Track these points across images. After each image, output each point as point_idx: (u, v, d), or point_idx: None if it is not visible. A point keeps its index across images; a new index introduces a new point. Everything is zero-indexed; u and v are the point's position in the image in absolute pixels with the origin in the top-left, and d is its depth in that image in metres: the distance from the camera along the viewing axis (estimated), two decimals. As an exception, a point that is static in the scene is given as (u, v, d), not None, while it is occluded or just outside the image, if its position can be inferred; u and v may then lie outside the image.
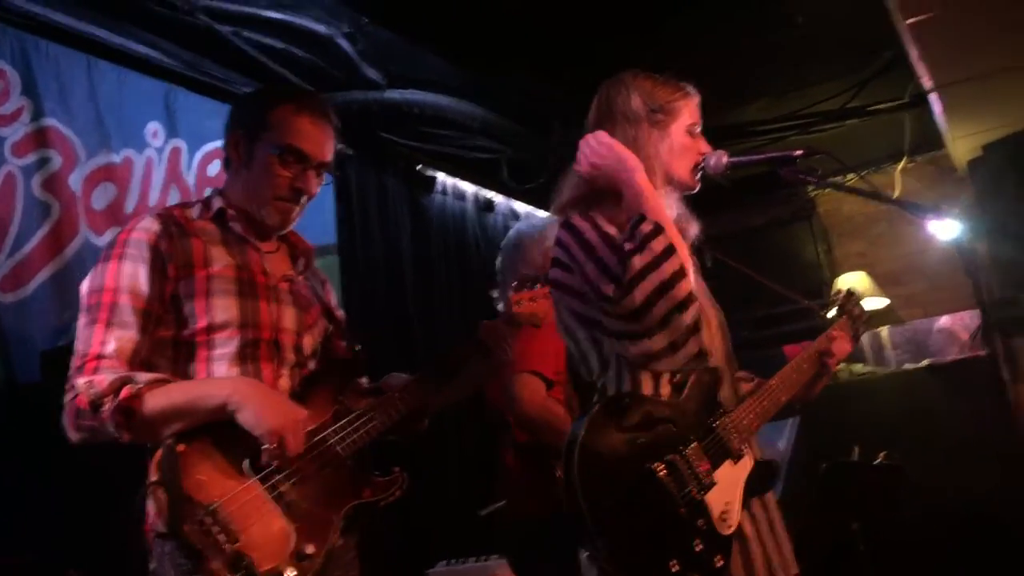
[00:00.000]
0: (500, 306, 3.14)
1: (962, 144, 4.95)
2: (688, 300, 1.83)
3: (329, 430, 1.99)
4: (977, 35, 3.86)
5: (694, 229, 2.11)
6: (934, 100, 4.42)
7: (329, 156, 2.11)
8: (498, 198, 5.46)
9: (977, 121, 4.69)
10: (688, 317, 1.83)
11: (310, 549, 1.84)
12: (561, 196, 2.10)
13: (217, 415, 1.83)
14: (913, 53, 3.97)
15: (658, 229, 1.84)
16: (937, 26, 3.73)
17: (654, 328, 1.82)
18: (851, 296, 2.43)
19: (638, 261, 1.81)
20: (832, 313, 2.41)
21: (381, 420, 2.05)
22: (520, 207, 5.62)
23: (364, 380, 2.23)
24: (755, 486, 1.98)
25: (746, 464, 1.98)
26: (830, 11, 4.05)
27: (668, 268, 1.82)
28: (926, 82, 4.25)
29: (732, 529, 1.89)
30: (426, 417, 2.25)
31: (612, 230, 1.94)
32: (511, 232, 3.30)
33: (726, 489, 1.91)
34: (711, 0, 3.94)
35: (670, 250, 1.83)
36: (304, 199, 2.10)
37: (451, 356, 2.22)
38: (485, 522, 3.72)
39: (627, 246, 1.84)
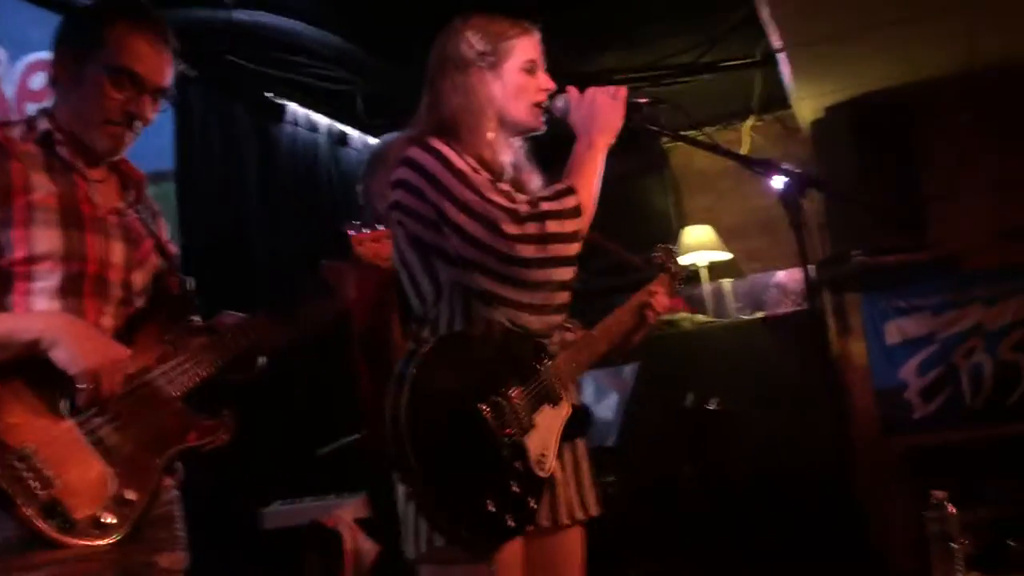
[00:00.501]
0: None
1: (806, 104, 5.12)
2: (571, 263, 1.95)
3: (155, 371, 1.90)
4: (825, -1, 3.97)
5: (536, 181, 2.11)
6: (782, 60, 4.54)
7: (167, 81, 1.98)
8: (353, 132, 5.31)
9: (822, 83, 4.85)
10: (565, 274, 1.95)
11: (131, 495, 1.77)
12: (415, 125, 2.07)
13: (30, 351, 1.72)
14: (764, 12, 4.05)
15: (577, 212, 1.92)
16: (787, -13, 3.82)
17: (530, 284, 1.91)
18: (670, 253, 2.50)
19: (551, 226, 1.89)
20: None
21: (211, 360, 1.98)
22: (375, 142, 5.48)
23: (196, 319, 2.13)
24: (569, 431, 2.02)
25: (563, 409, 2.02)
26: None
27: (565, 250, 1.92)
28: (775, 42, 4.35)
29: (547, 473, 1.92)
30: (261, 357, 2.18)
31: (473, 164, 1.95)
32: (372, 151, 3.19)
33: (544, 433, 1.94)
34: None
35: (576, 211, 1.92)
36: (138, 125, 1.96)
37: (290, 299, 2.15)
38: (333, 461, 3.68)
39: (544, 205, 1.91)
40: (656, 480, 4.06)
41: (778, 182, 1.85)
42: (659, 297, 2.34)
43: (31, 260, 1.81)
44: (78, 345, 1.74)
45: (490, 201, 1.89)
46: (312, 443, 3.81)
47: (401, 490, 1.94)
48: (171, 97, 2.02)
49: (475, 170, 1.95)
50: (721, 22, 4.63)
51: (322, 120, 5.06)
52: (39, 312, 1.81)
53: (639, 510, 3.97)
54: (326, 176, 4.97)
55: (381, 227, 2.24)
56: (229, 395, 2.07)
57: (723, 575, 4.06)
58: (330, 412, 4.24)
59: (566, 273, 1.97)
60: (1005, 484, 4.35)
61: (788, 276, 5.33)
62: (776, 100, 5.42)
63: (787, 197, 1.84)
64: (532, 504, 1.87)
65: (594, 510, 2.08)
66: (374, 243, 2.21)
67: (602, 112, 2.03)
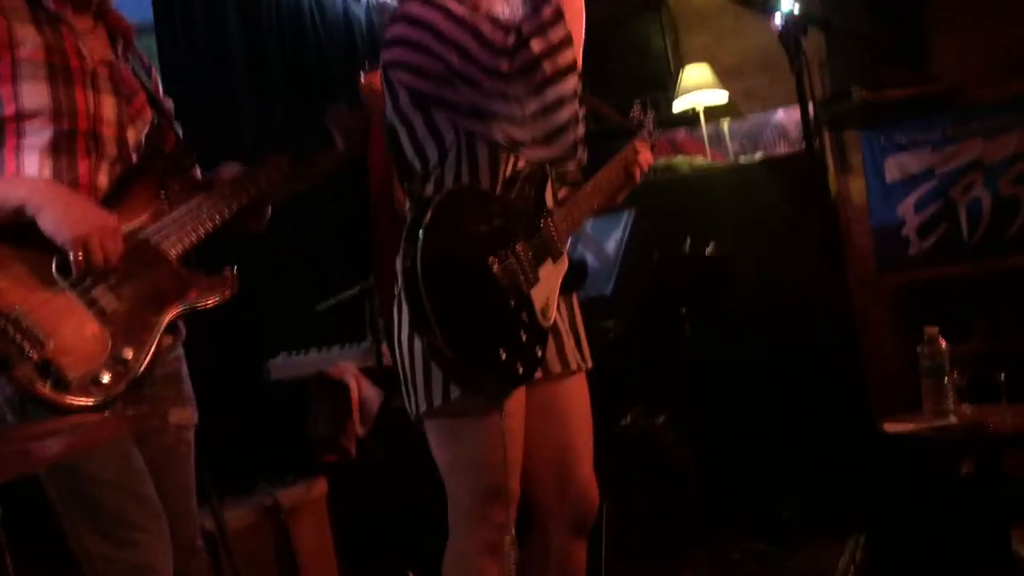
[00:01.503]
0: None
1: (809, -64, 4.91)
2: (572, 94, 1.91)
3: (151, 228, 1.87)
4: None
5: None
6: None
7: None
8: (337, -24, 5.09)
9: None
10: (566, 112, 1.91)
11: (128, 353, 1.77)
12: None
13: (15, 218, 1.70)
14: None
15: (559, 16, 1.86)
16: None
17: (533, 115, 1.89)
18: (646, 110, 2.51)
19: (536, 45, 1.83)
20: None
21: (211, 216, 1.94)
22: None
23: (195, 172, 2.09)
24: (567, 285, 2.08)
25: (563, 263, 2.07)
26: None
27: (561, 60, 1.86)
28: None
29: (549, 323, 2.00)
30: (264, 212, 2.16)
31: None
32: None
33: (546, 286, 2.00)
34: None
35: (567, 41, 1.88)
36: None
37: (295, 148, 2.11)
38: (335, 311, 3.72)
39: (525, 28, 1.84)
40: (653, 323, 4.12)
41: (778, 19, 1.79)
42: (644, 154, 2.34)
43: (20, 117, 1.78)
44: (65, 212, 1.71)
45: (490, 45, 1.85)
46: (312, 295, 3.84)
47: (405, 345, 1.96)
48: None
49: (474, 7, 1.91)
50: None
51: (304, -36, 4.84)
52: (24, 178, 1.78)
53: (637, 356, 4.05)
54: (311, 23, 4.80)
55: None
56: (230, 247, 2.06)
57: (722, 415, 4.18)
58: (328, 263, 4.27)
59: (567, 87, 1.93)
60: (997, 318, 4.42)
61: (787, 116, 5.23)
62: (778, -70, 5.18)
63: (787, 36, 1.78)
64: (539, 352, 1.94)
65: (590, 362, 2.15)
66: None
67: None
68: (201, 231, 1.93)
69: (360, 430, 3.51)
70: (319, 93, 4.37)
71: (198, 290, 1.93)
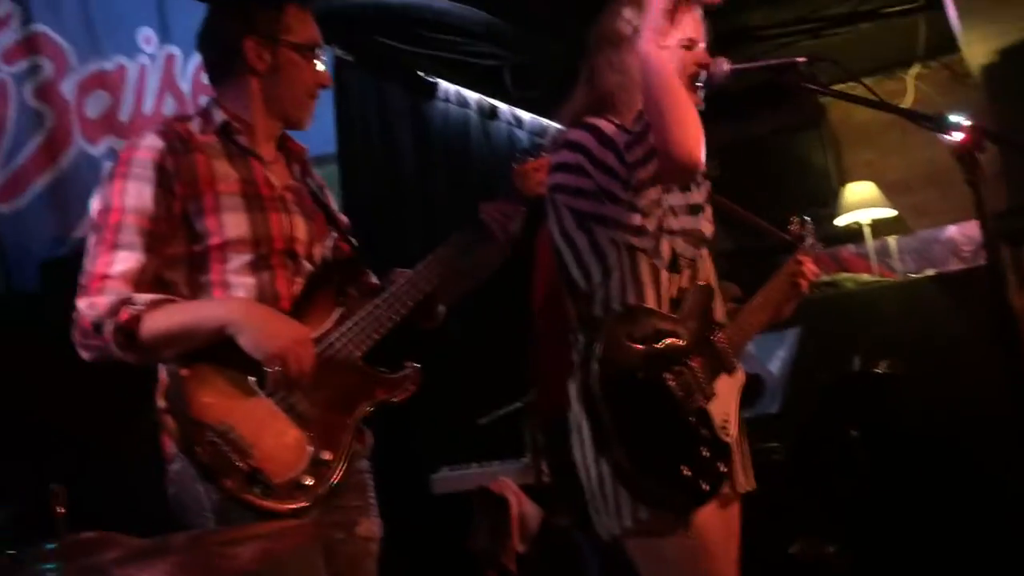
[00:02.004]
0: None
1: (977, 49, 4.81)
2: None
3: (335, 333, 1.97)
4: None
5: None
6: (948, 3, 4.28)
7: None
8: (502, 106, 5.37)
9: (992, 25, 4.55)
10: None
11: (327, 455, 1.85)
12: (572, 104, 2.11)
13: (217, 337, 1.82)
14: (928, -47, 3.84)
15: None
16: (954, -76, 3.60)
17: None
18: (804, 223, 2.46)
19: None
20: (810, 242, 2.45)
21: (389, 316, 2.02)
22: (524, 115, 5.54)
23: (370, 278, 2.21)
24: (745, 399, 2.07)
25: (739, 377, 2.06)
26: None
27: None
28: (941, -16, 4.12)
29: (731, 438, 1.97)
30: (437, 309, 2.24)
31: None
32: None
33: (724, 400, 1.99)
34: None
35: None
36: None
37: (454, 240, 2.17)
38: (492, 428, 3.77)
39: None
40: (822, 447, 3.96)
41: (952, 136, 1.76)
42: (808, 265, 2.31)
43: (225, 246, 1.93)
44: (260, 330, 1.82)
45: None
46: (473, 407, 3.90)
47: (591, 467, 1.95)
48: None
49: (621, 125, 1.99)
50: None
51: (472, 95, 5.14)
52: (223, 300, 1.92)
53: (803, 479, 3.88)
54: (476, 149, 5.06)
55: (542, 156, 2.23)
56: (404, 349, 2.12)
57: (897, 548, 3.93)
58: (490, 375, 4.33)
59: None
60: None
61: (959, 231, 5.05)
62: (941, 46, 5.13)
63: (962, 151, 1.75)
64: (722, 467, 1.91)
65: (753, 483, 2.09)
66: (536, 172, 2.20)
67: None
68: (381, 331, 2.01)
69: (520, 547, 3.50)
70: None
71: (384, 388, 2.01)
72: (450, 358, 4.10)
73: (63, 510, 1.39)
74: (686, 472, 1.83)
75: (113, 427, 2.48)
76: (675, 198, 2.03)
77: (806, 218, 2.53)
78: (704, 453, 1.88)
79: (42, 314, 2.66)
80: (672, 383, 1.88)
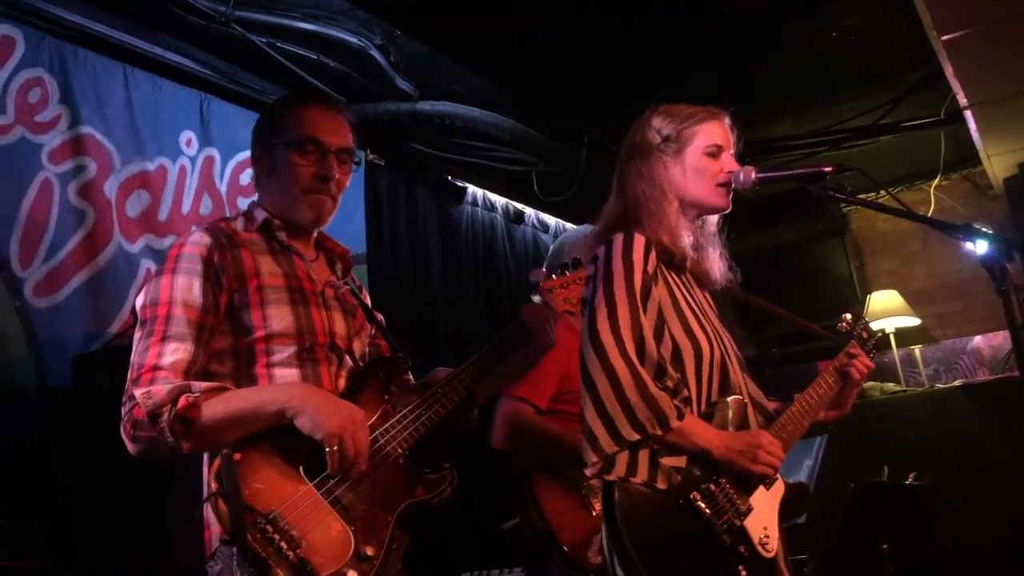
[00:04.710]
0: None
1: (998, 161, 4.89)
2: None
3: (379, 430, 1.98)
4: (1013, 52, 3.81)
5: (716, 263, 2.12)
6: (970, 117, 4.37)
7: (347, 142, 2.12)
8: (528, 210, 5.48)
9: (1014, 139, 4.63)
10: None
11: (370, 551, 1.84)
12: (603, 214, 2.16)
13: (276, 421, 1.83)
14: (948, 70, 3.93)
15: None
16: (973, 43, 3.69)
17: None
18: (859, 320, 2.44)
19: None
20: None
21: (430, 415, 2.04)
22: (549, 219, 5.63)
23: (410, 377, 2.22)
24: (787, 510, 1.99)
25: (779, 488, 2.00)
26: (864, 27, 4.02)
27: None
28: (961, 99, 4.20)
29: (772, 553, 1.90)
30: (474, 408, 2.24)
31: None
32: (558, 239, 3.26)
33: (763, 514, 1.92)
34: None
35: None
36: (334, 188, 2.09)
37: (497, 343, 2.19)
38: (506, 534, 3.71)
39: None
40: (851, 560, 3.86)
41: (980, 247, 1.78)
42: (861, 358, 2.28)
43: (269, 338, 1.96)
44: (320, 410, 1.83)
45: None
46: (495, 513, 3.85)
47: None
48: (357, 159, 2.16)
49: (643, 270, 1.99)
50: (901, 82, 4.51)
51: (499, 199, 5.26)
52: (280, 385, 1.93)
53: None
54: (502, 252, 5.13)
55: (568, 273, 2.27)
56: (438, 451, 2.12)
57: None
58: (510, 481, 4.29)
59: None
60: None
61: (985, 341, 5.02)
62: (963, 158, 5.21)
63: (990, 262, 1.76)
64: None
65: None
66: (563, 289, 2.23)
67: None
68: (422, 430, 2.02)
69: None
70: (507, 311, 4.61)
71: (424, 487, 2.01)
72: (476, 461, 4.07)
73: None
74: None
75: (143, 521, 2.47)
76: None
77: (859, 316, 2.51)
78: (742, 573, 1.82)
79: (75, 408, 2.67)
80: (699, 503, 1.83)
